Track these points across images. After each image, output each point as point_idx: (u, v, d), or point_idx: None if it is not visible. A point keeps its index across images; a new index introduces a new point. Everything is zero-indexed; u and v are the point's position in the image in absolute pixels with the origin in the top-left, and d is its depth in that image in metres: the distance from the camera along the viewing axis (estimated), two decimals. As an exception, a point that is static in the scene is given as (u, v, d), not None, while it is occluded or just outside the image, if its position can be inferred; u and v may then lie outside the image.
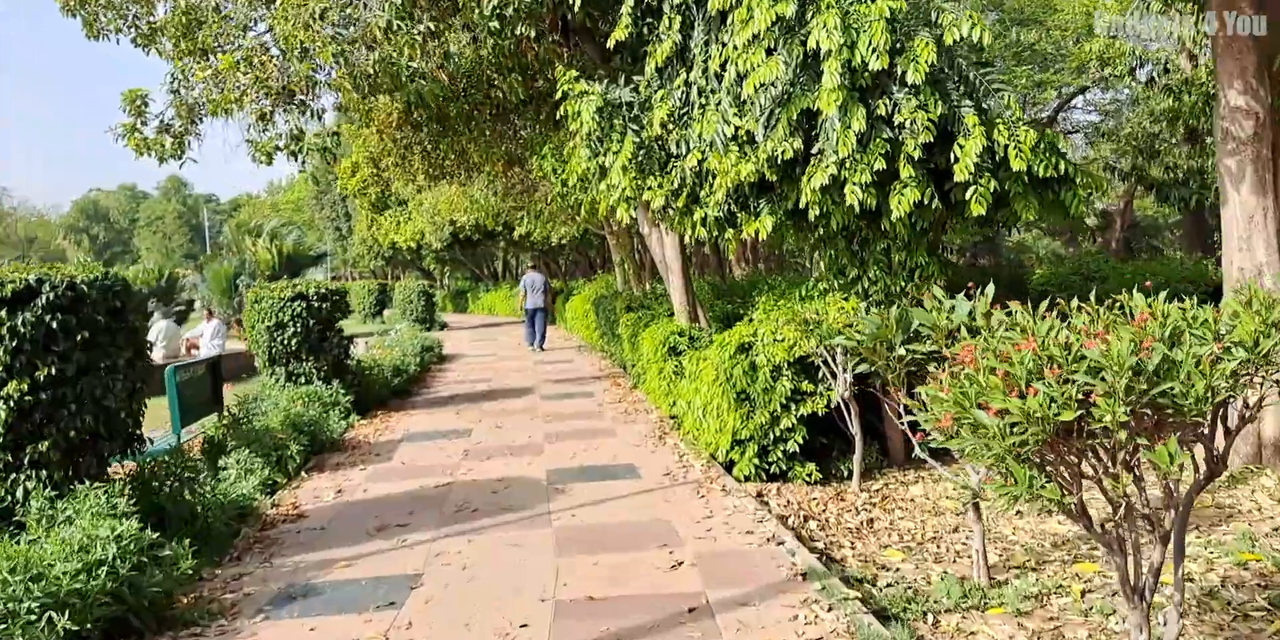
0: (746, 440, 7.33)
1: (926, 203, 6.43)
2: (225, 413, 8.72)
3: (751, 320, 9.38)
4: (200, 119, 10.71)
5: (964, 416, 3.38)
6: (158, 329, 17.22)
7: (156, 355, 16.85)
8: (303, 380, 11.11)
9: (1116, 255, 25.71)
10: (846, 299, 7.79)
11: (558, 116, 11.22)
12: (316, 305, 11.06)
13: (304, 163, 9.74)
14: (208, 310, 19.82)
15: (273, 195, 73.42)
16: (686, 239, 8.04)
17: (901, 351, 5.10)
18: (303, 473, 8.02)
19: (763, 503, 6.52)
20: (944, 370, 3.84)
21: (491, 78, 13.18)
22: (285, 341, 10.93)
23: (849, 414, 7.08)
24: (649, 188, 7.83)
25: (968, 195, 6.32)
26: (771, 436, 7.26)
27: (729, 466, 7.55)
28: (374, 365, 12.88)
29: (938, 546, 5.81)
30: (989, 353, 3.51)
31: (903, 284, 7.51)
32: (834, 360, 7.00)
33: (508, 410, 11.36)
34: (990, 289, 4.85)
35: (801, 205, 7.02)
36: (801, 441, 7.25)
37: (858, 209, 6.60)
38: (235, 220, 34.63)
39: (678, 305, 10.83)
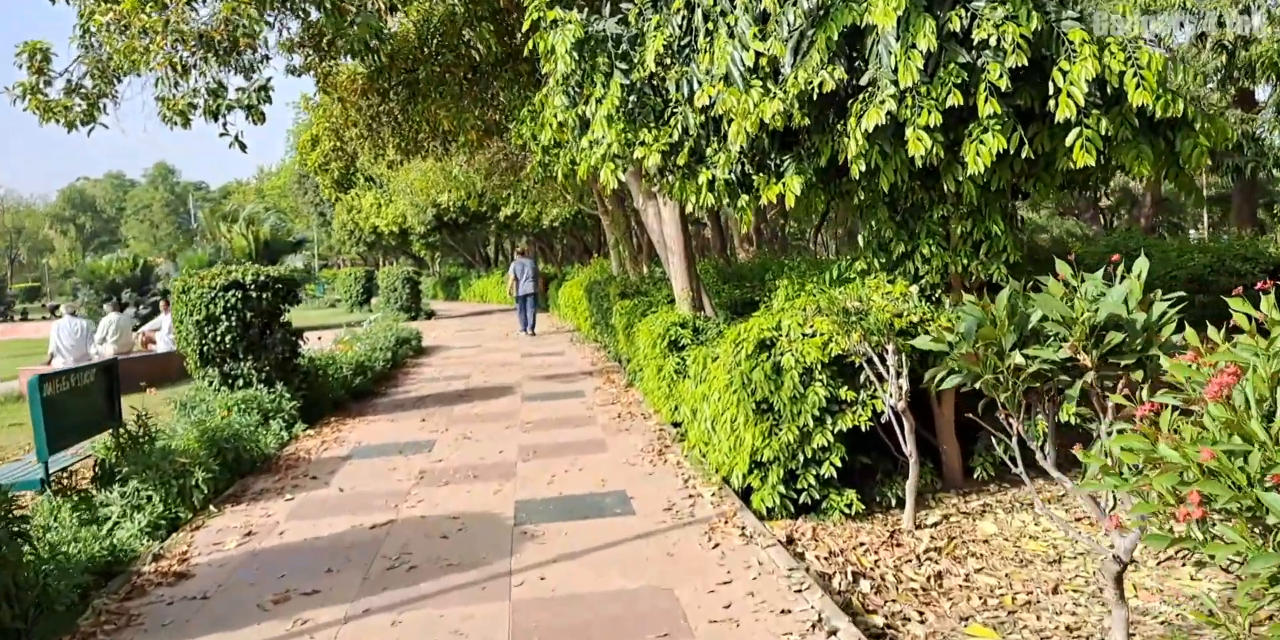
0: (769, 463, 5.74)
1: (1012, 153, 4.80)
2: (123, 430, 7.11)
3: (770, 309, 7.79)
4: (118, 78, 9.08)
5: (1238, 500, 1.78)
6: (107, 322, 15.62)
7: (106, 351, 15.27)
8: (241, 383, 9.51)
9: (1144, 234, 24.03)
10: (891, 282, 6.17)
11: (539, 75, 9.63)
12: (255, 295, 9.43)
13: (225, 124, 8.10)
14: (164, 301, 18.16)
15: (262, 182, 71.57)
16: (689, 209, 6.44)
17: (1019, 359, 3.47)
18: (211, 506, 6.41)
19: (796, 554, 4.91)
20: (1142, 405, 2.24)
21: (463, 33, 11.56)
22: (218, 338, 9.31)
23: (902, 429, 5.48)
24: (641, 143, 6.20)
25: (1070, 140, 4.69)
26: (801, 458, 5.67)
27: (746, 493, 5.96)
28: (330, 363, 11.26)
29: (1038, 617, 4.23)
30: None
31: (965, 262, 5.88)
32: (882, 360, 5.40)
33: (483, 415, 9.76)
34: (1143, 266, 3.25)
35: (840, 161, 5.40)
36: (839, 464, 5.66)
37: (918, 163, 4.98)
38: (210, 206, 32.95)
39: (679, 291, 9.22)
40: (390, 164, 15.02)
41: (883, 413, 5.64)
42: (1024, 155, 4.83)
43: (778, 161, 5.89)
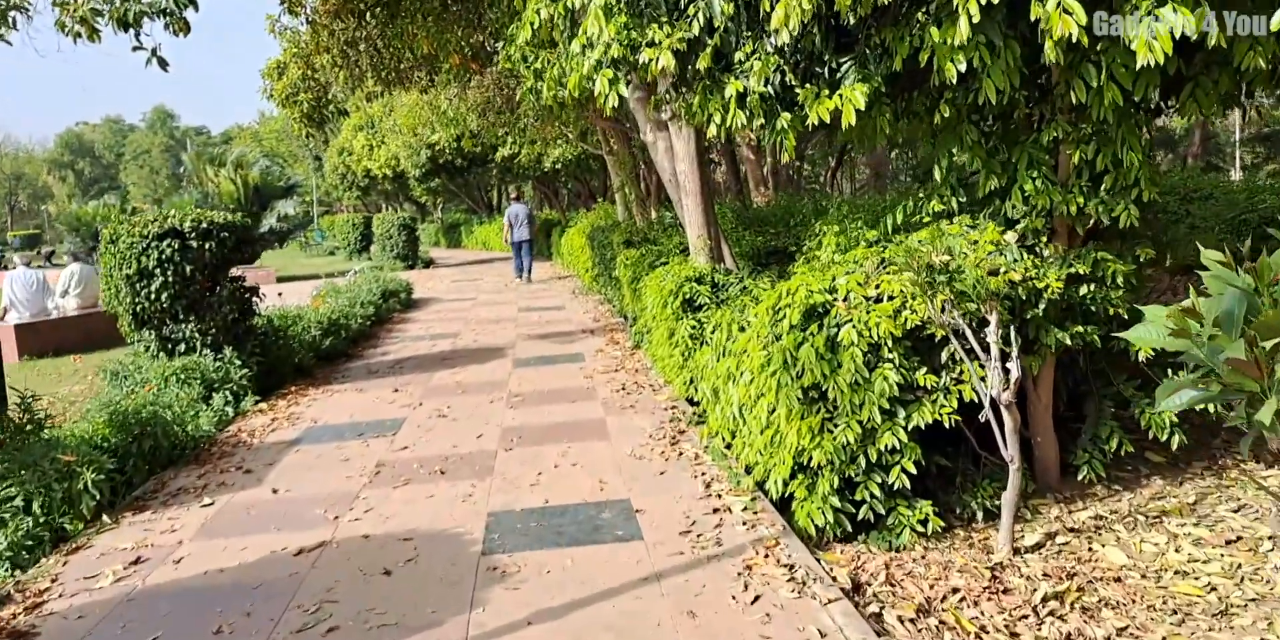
0: (820, 467, 4.35)
1: (1193, 38, 3.29)
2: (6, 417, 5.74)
3: (811, 262, 6.35)
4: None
5: None
6: (68, 274, 14.23)
7: (70, 304, 13.95)
8: (183, 349, 8.13)
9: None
10: (974, 228, 4.70)
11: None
12: (197, 245, 7.99)
13: (138, 35, 6.57)
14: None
15: (264, 126, 69.54)
16: (712, 134, 4.95)
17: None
18: (105, 516, 5.06)
19: (873, 615, 3.52)
20: None
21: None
22: (152, 296, 7.90)
23: (1001, 425, 4.07)
24: (649, 44, 4.69)
25: (1278, 19, 3.17)
26: (863, 462, 4.28)
27: (786, 502, 4.59)
28: (293, 323, 9.85)
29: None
30: None
31: (1080, 200, 4.40)
32: (980, 332, 3.97)
33: (466, 385, 8.38)
34: None
35: (921, 62, 3.90)
36: (913, 470, 4.27)
37: (1049, 54, 3.48)
38: (204, 150, 31.33)
39: (694, 239, 7.74)
40: (369, 96, 13.44)
41: (971, 401, 4.23)
42: (1211, 43, 3.31)
43: (833, 65, 4.38)
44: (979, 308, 3.95)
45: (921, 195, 5.05)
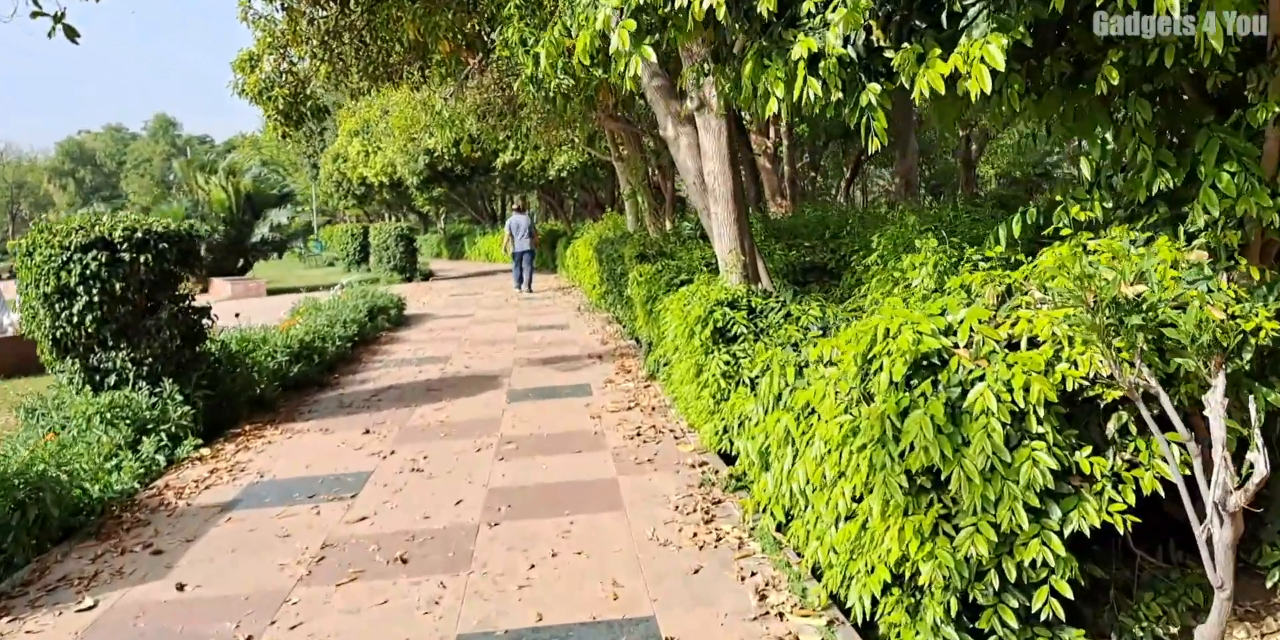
0: (928, 586, 3.03)
1: None
2: None
3: (902, 290, 5.07)
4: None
5: None
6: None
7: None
8: (113, 380, 6.82)
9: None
10: (1136, 242, 3.38)
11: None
12: (130, 258, 6.69)
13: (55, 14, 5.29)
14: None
15: (266, 133, 68.38)
16: (770, 110, 3.62)
17: None
18: (-65, 630, 3.74)
19: None
20: None
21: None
22: (74, 318, 6.60)
23: (1211, 536, 2.74)
24: (688, -14, 3.42)
25: None
26: (996, 580, 2.96)
27: (867, 627, 3.27)
28: (256, 347, 8.54)
29: None
30: None
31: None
32: (1183, 406, 2.67)
33: (450, 424, 7.06)
34: None
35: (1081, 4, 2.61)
36: (1069, 592, 2.94)
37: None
38: (190, 159, 30.09)
39: (725, 253, 6.41)
40: (354, 93, 12.19)
41: (1151, 492, 2.92)
42: None
43: (955, 7, 3.09)
44: (1198, 364, 2.63)
45: (1046, 200, 3.73)
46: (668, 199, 11.82)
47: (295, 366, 8.78)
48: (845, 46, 3.40)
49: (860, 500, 3.26)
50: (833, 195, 38.81)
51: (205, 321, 7.54)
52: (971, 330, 3.10)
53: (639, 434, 6.34)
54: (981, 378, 2.94)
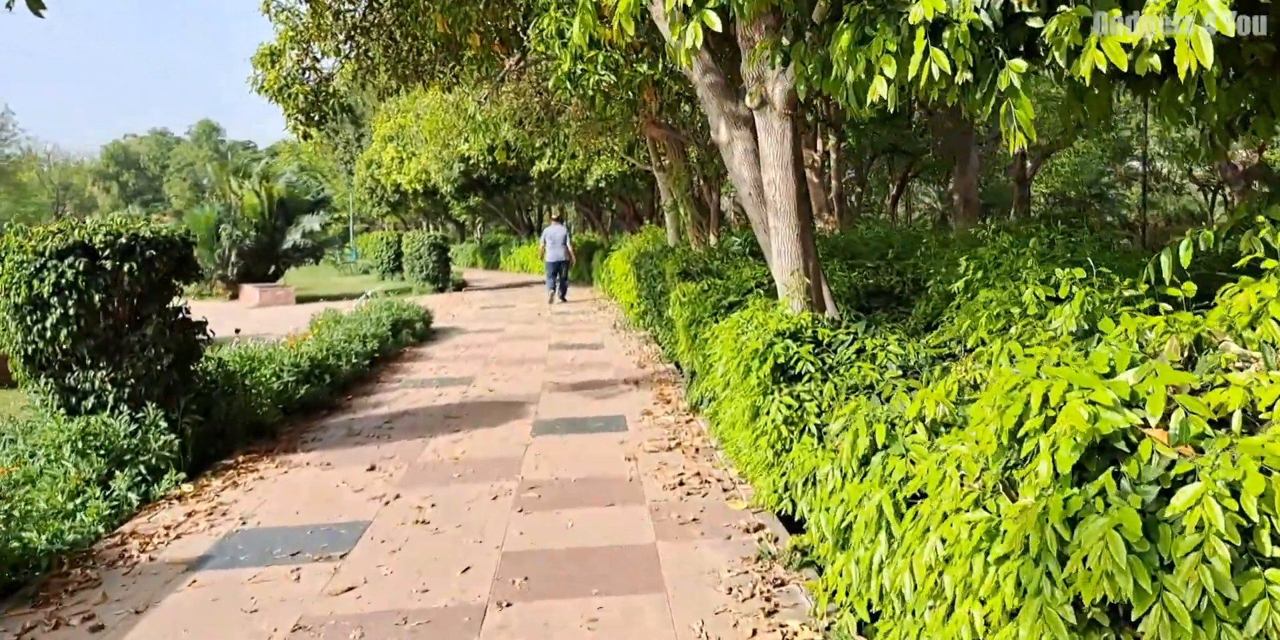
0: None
1: None
2: None
3: (1040, 337, 4.17)
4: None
5: None
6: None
7: None
8: (91, 403, 6.07)
9: None
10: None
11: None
12: (113, 266, 5.95)
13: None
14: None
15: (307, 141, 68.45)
16: (877, 94, 2.77)
17: None
18: None
19: None
20: None
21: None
22: (47, 333, 5.86)
23: None
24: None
25: None
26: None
27: None
28: (260, 366, 7.78)
29: None
30: None
31: None
32: None
33: (466, 462, 6.24)
34: None
35: None
36: None
37: None
38: (223, 162, 29.79)
39: (785, 274, 5.53)
40: (382, 93, 11.48)
41: None
42: None
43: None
44: None
45: (1262, 214, 2.82)
46: (712, 212, 10.96)
47: (303, 388, 8.00)
48: (978, 11, 2.55)
49: (993, 625, 2.38)
50: (876, 212, 37.83)
51: (202, 337, 6.79)
52: (1168, 401, 2.21)
53: (681, 483, 5.47)
54: (1191, 474, 2.05)
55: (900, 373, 4.60)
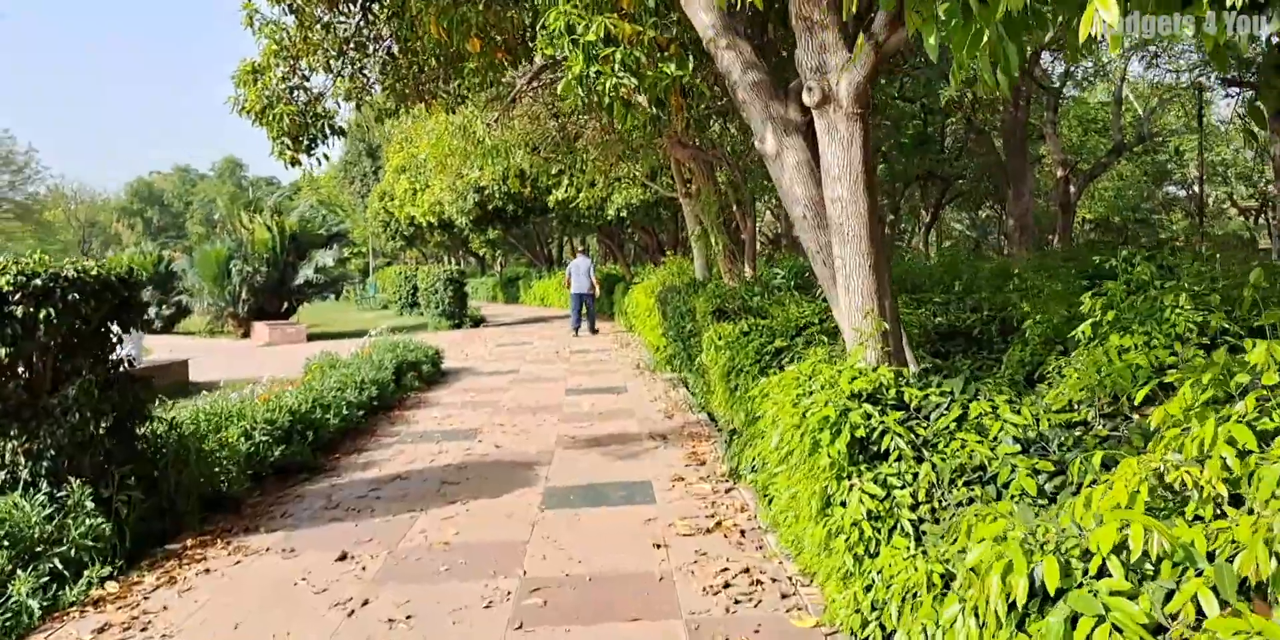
0: None
1: None
2: None
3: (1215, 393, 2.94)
4: None
5: None
6: None
7: None
8: (3, 478, 4.97)
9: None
10: None
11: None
12: (23, 314, 4.87)
13: None
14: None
15: (327, 175, 68.18)
16: (1004, 80, 1.73)
17: None
18: None
19: None
20: None
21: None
22: (-57, 397, 4.78)
23: None
24: None
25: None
26: None
27: None
28: (226, 424, 6.68)
29: None
30: None
31: None
32: None
33: (457, 549, 5.09)
34: None
35: None
36: None
37: None
38: (234, 195, 29.13)
39: (853, 314, 4.35)
40: (380, 115, 10.47)
41: None
42: None
43: None
44: None
45: None
46: (747, 241, 9.84)
47: (278, 449, 6.88)
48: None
49: None
50: (908, 241, 36.61)
51: (143, 397, 5.69)
52: None
53: (727, 584, 4.28)
54: None
55: (1019, 448, 3.45)
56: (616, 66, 5.54)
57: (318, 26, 8.95)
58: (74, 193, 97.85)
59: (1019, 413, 3.55)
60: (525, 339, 18.78)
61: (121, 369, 5.53)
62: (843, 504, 3.61)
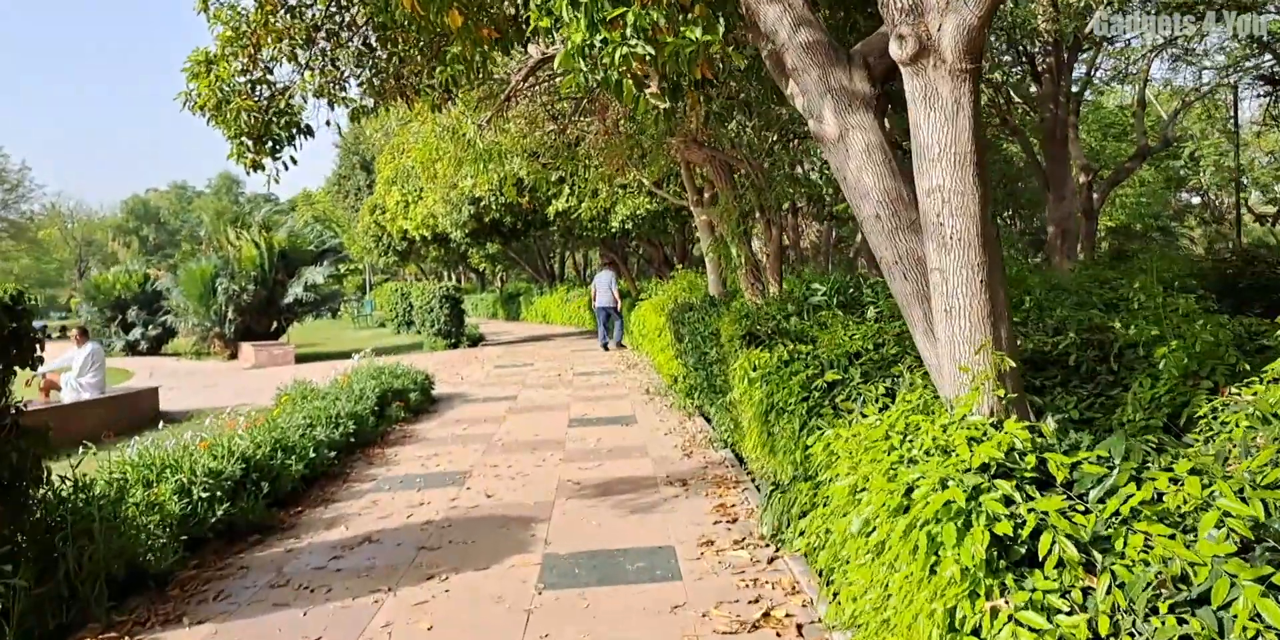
0: None
1: None
2: None
3: None
4: None
5: None
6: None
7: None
8: None
9: None
10: None
11: None
12: None
13: None
14: (80, 330, 12.73)
15: (323, 189, 67.17)
16: None
17: None
18: None
19: None
20: None
21: None
22: None
23: None
24: None
25: None
26: None
27: None
28: (157, 478, 5.51)
29: None
30: None
31: None
32: None
33: (431, 650, 3.92)
34: None
35: None
36: None
37: None
38: (219, 211, 28.01)
39: (957, 345, 3.19)
40: (355, 114, 9.35)
41: None
42: None
43: None
44: None
45: None
46: (772, 253, 8.66)
47: (220, 508, 5.69)
48: None
49: None
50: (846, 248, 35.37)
51: (40, 458, 4.53)
52: None
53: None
54: None
55: (1233, 549, 2.31)
56: (628, 31, 4.41)
57: (280, 11, 7.83)
58: (70, 211, 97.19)
59: (1243, 497, 2.39)
60: (525, 360, 17.61)
61: (7, 421, 4.37)
62: (975, 633, 2.44)
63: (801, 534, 4.76)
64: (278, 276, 24.87)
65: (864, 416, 3.84)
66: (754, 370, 5.46)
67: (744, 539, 5.21)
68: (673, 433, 8.73)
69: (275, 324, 25.21)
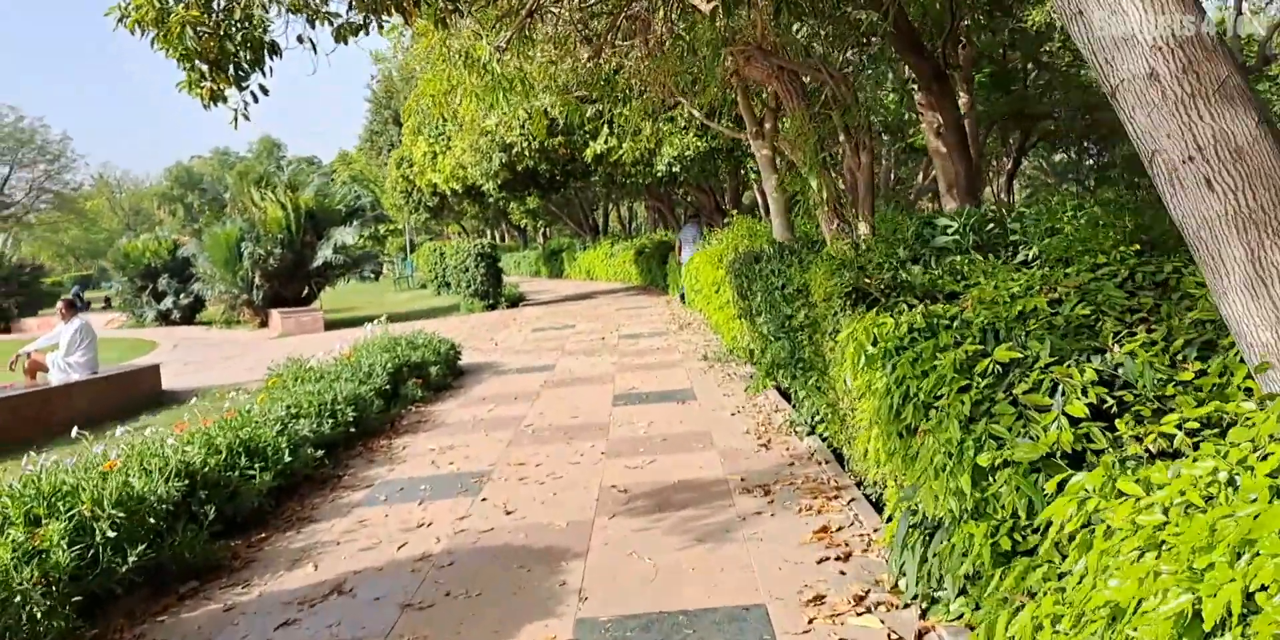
0: None
1: None
2: None
3: None
4: None
5: None
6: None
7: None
8: None
9: None
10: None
11: None
12: None
13: None
14: (65, 302, 11.34)
15: (359, 148, 65.76)
16: None
17: None
18: None
19: None
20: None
21: None
22: None
23: None
24: None
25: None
26: None
27: None
28: (48, 513, 3.96)
29: None
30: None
31: None
32: None
33: None
34: None
35: None
36: None
37: None
38: (243, 171, 26.64)
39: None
40: (340, 32, 7.65)
41: None
42: None
43: None
44: None
45: None
46: (863, 185, 6.86)
47: (139, 547, 4.13)
48: None
49: None
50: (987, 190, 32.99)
51: None
52: None
53: None
54: None
55: None
56: None
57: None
58: (117, 180, 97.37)
59: None
60: (567, 321, 16.01)
61: None
62: None
63: (964, 593, 3.11)
64: (306, 238, 23.43)
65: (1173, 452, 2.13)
66: (873, 345, 3.72)
67: (868, 593, 3.55)
68: (741, 412, 7.06)
69: (306, 289, 23.85)
